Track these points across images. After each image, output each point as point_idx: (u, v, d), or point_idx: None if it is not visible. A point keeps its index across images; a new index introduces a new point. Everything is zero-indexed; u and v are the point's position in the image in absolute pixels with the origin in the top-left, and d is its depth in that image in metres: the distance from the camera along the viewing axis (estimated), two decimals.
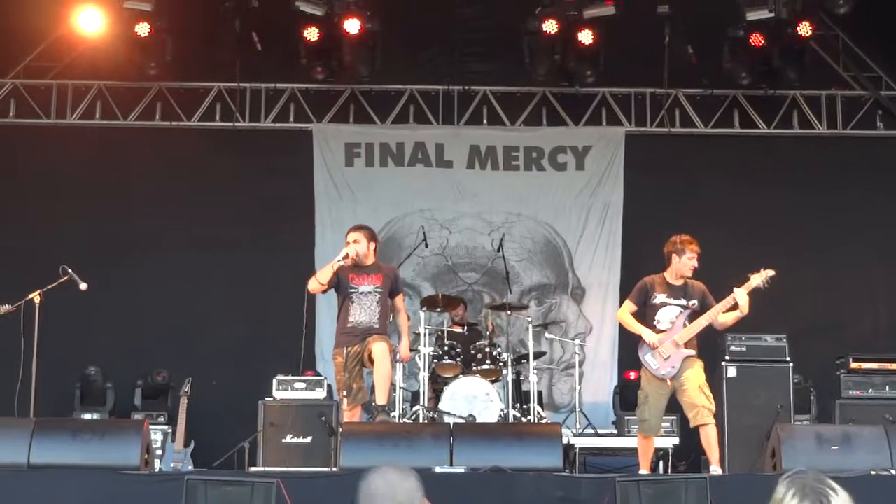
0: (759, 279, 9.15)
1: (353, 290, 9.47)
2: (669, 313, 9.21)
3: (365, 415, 10.42)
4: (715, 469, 8.93)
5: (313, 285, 9.52)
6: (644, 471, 9.30)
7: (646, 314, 9.28)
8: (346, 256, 9.41)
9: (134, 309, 13.30)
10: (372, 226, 10.26)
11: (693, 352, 9.15)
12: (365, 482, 3.54)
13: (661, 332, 9.16)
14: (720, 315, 9.13)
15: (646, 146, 13.97)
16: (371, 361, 9.28)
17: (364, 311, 9.43)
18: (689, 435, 9.81)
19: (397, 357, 10.13)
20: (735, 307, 9.07)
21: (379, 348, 9.19)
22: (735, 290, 9.09)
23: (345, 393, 9.31)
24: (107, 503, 7.84)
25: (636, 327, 9.26)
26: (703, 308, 9.21)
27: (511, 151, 14.08)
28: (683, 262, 9.22)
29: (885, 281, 13.63)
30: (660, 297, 9.24)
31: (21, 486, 7.91)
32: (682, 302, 9.22)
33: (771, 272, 9.17)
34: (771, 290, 9.24)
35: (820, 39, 13.29)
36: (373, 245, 9.67)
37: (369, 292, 9.47)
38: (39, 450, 8.18)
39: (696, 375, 9.09)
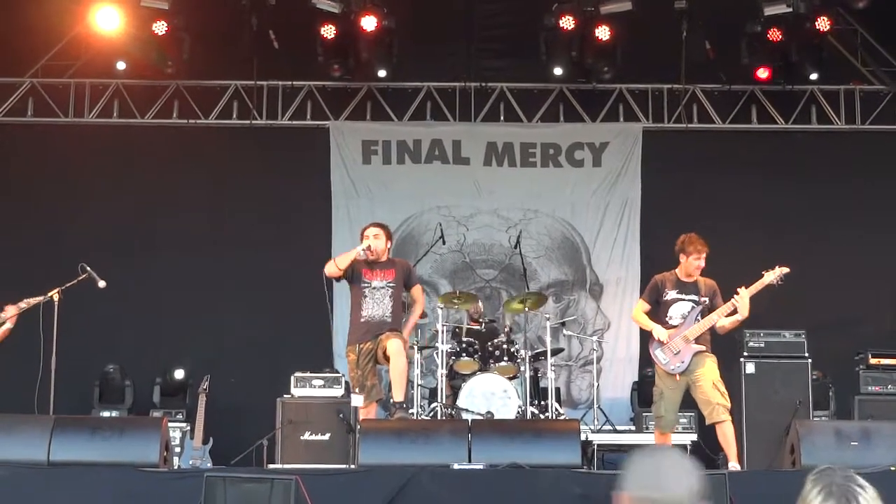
0: (772, 276, 9.17)
1: (365, 285, 9.47)
2: (681, 308, 9.26)
3: (382, 411, 10.44)
4: (733, 465, 8.92)
5: (330, 269, 9.52)
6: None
7: (658, 312, 9.32)
8: (368, 248, 9.43)
9: (152, 306, 13.34)
10: (389, 223, 10.26)
11: (703, 347, 9.17)
12: (643, 466, 3.08)
13: (673, 327, 9.21)
14: (721, 319, 9.15)
15: (663, 142, 13.94)
16: (386, 358, 9.27)
17: (377, 306, 9.42)
18: (708, 430, 9.79)
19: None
20: (735, 311, 9.09)
21: (394, 345, 9.17)
22: (739, 290, 9.09)
23: (357, 390, 9.32)
24: (126, 500, 7.85)
25: (647, 324, 9.35)
26: (713, 307, 9.24)
27: (528, 148, 14.07)
28: (689, 262, 9.25)
29: None
30: (671, 294, 9.30)
31: (41, 484, 7.93)
32: (694, 297, 9.26)
33: (785, 269, 9.18)
34: (789, 285, 9.23)
35: (838, 34, 13.25)
36: (389, 244, 9.73)
37: (381, 287, 9.47)
38: (59, 447, 8.19)
39: (709, 372, 9.10)
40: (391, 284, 9.49)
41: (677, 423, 9.57)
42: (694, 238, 9.29)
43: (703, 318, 9.19)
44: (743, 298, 9.05)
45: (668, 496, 2.91)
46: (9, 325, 9.53)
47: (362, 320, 9.43)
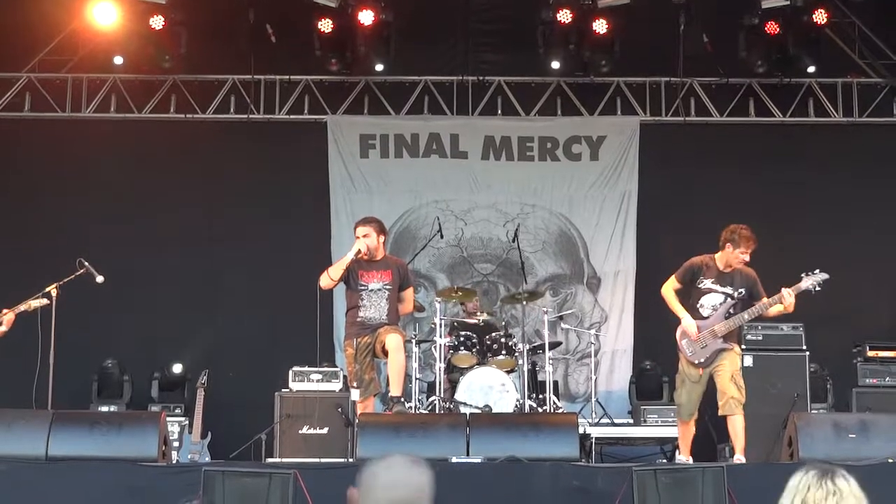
0: (810, 282, 9.08)
1: (362, 287, 9.42)
2: (713, 300, 9.14)
3: (380, 405, 10.44)
4: (739, 458, 8.90)
5: (325, 281, 9.50)
6: (683, 457, 9.30)
7: (690, 294, 9.21)
8: (359, 252, 9.37)
9: (150, 301, 13.33)
10: (387, 217, 10.24)
11: (729, 345, 9.10)
12: (370, 471, 3.29)
13: (702, 317, 9.12)
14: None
15: (661, 135, 13.93)
16: (384, 353, 9.26)
17: (374, 308, 9.39)
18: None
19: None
20: (779, 302, 9.02)
21: (393, 340, 9.16)
22: (784, 290, 9.00)
23: (356, 384, 9.31)
24: (124, 495, 7.87)
25: (678, 309, 9.20)
26: (751, 297, 9.12)
27: (526, 142, 14.06)
28: (735, 255, 9.09)
29: None
30: (707, 283, 9.15)
31: (39, 478, 7.95)
32: (729, 290, 9.12)
33: (824, 275, 9.10)
34: (787, 278, 9.20)
35: (836, 27, 13.25)
36: (382, 237, 9.61)
37: (379, 289, 9.43)
38: (57, 442, 8.21)
39: (729, 364, 9.04)
40: (388, 286, 9.45)
41: (696, 413, 9.45)
42: (747, 233, 9.11)
43: (734, 311, 9.11)
44: (790, 296, 8.97)
45: (395, 495, 3.11)
46: (4, 327, 9.53)
47: (359, 320, 9.42)
